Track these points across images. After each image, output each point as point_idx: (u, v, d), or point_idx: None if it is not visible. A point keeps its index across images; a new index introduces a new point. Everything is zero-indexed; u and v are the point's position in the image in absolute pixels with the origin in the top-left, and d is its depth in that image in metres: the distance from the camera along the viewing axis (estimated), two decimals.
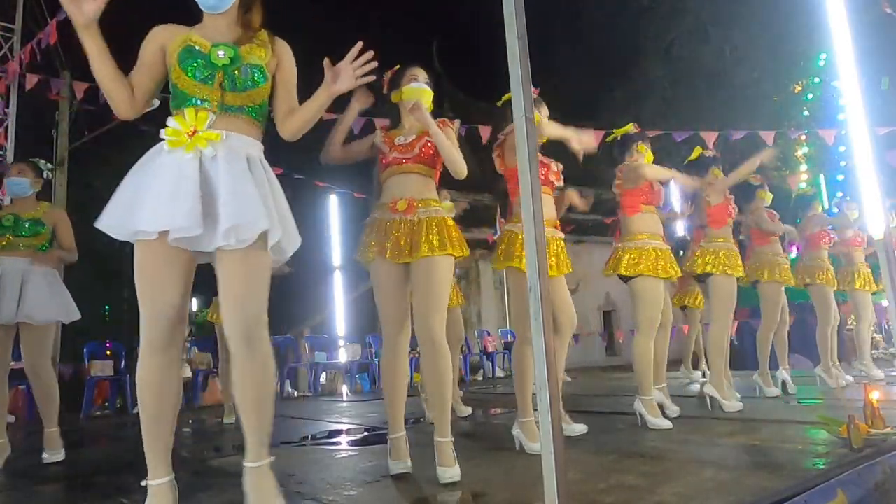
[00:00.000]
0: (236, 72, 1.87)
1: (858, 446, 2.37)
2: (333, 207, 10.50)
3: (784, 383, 4.61)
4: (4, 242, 3.26)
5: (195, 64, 1.85)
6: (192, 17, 1.97)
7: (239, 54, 1.88)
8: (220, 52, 1.85)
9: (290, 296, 5.43)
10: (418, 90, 2.59)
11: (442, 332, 2.44)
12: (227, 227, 1.73)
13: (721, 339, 3.96)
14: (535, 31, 1.92)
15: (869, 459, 2.19)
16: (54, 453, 3.31)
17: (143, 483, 1.79)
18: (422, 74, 2.63)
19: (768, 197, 4.88)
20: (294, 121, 2.01)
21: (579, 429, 3.18)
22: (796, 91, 13.87)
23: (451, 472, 2.27)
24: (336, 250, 10.59)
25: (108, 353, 7.13)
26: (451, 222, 2.56)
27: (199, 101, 1.85)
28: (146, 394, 1.79)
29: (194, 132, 1.80)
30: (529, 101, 1.76)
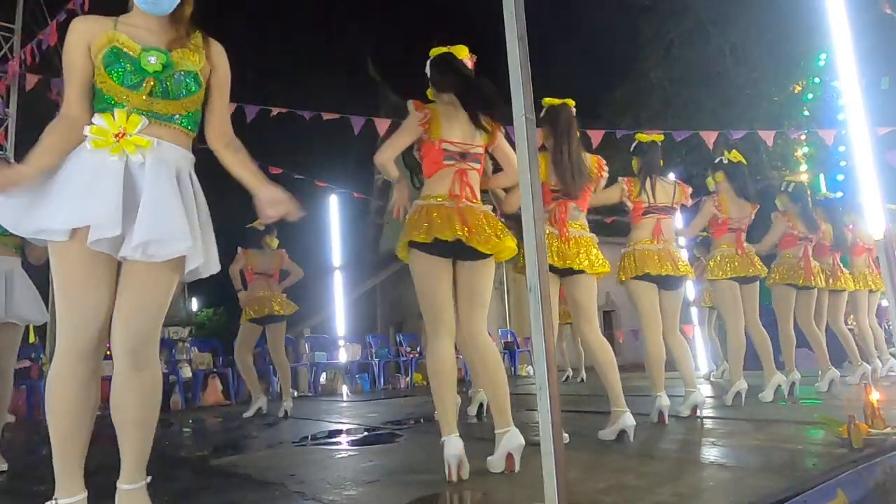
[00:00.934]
0: (168, 79, 1.75)
1: (858, 446, 2.37)
2: (333, 207, 10.49)
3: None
4: None
5: (122, 69, 1.71)
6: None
7: (171, 60, 1.76)
8: (152, 58, 1.72)
9: (291, 296, 5.45)
10: None
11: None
12: (140, 240, 1.63)
13: (736, 339, 4.22)
14: (535, 31, 1.92)
15: (869, 459, 2.19)
16: None
17: (53, 502, 1.68)
18: None
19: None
20: (228, 158, 1.92)
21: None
22: (796, 91, 13.87)
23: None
24: (336, 250, 10.58)
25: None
26: None
27: (122, 107, 1.73)
28: (63, 404, 1.68)
29: (122, 134, 1.69)
30: (529, 102, 1.76)
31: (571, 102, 3.24)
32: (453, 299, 2.52)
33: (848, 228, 5.55)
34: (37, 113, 8.17)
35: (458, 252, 2.45)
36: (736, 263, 4.26)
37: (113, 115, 1.71)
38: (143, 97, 1.74)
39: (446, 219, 2.41)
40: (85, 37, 1.75)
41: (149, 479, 1.80)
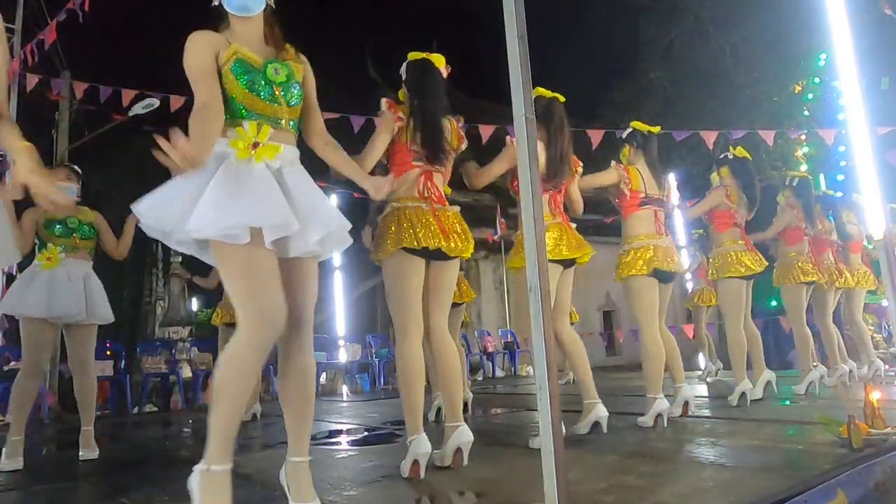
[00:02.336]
0: (288, 89, 1.95)
1: (858, 446, 2.37)
2: None
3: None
4: (71, 244, 3.41)
5: (253, 80, 1.89)
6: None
7: (292, 71, 1.97)
8: (276, 69, 1.92)
9: None
10: None
11: None
12: (319, 235, 1.85)
13: (737, 338, 4.17)
14: (536, 30, 1.92)
15: (869, 459, 2.19)
16: (90, 452, 3.35)
17: (199, 467, 1.78)
18: None
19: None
20: (331, 157, 2.19)
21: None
22: (796, 91, 13.86)
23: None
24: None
25: (108, 353, 7.12)
26: None
27: (258, 116, 1.89)
28: (239, 388, 1.80)
29: (257, 144, 1.85)
30: (529, 101, 1.76)
31: (562, 98, 3.24)
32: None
33: (847, 225, 5.57)
34: (37, 113, 8.18)
35: (434, 254, 2.52)
36: (747, 261, 4.19)
37: (244, 128, 1.86)
38: (273, 105, 1.92)
39: (427, 226, 2.49)
40: (212, 46, 1.89)
41: (310, 458, 1.98)
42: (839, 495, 1.90)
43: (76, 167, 3.57)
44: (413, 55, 2.74)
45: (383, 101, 2.60)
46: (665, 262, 3.51)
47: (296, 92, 1.98)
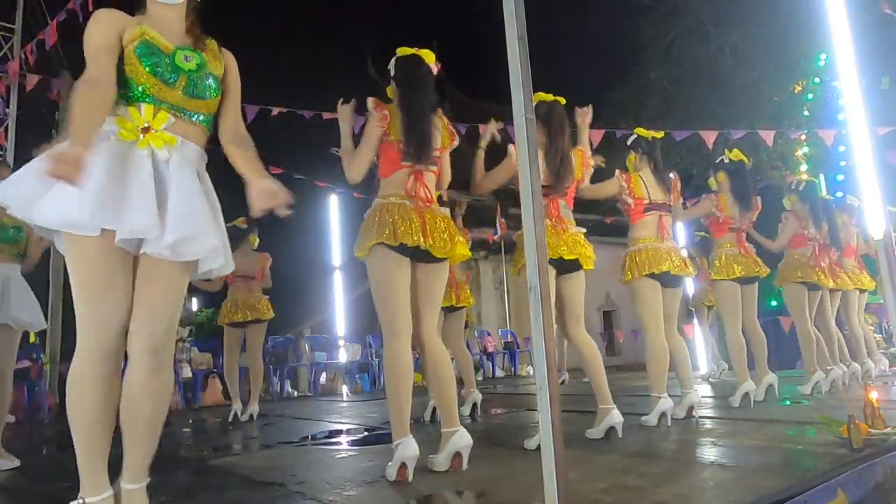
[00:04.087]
0: (199, 79, 1.81)
1: (858, 446, 2.37)
2: (333, 207, 10.49)
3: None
4: None
5: (158, 63, 1.75)
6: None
7: (205, 61, 1.84)
8: (186, 57, 1.80)
9: (290, 296, 5.43)
10: None
11: None
12: (172, 239, 1.64)
13: (735, 340, 4.17)
14: (535, 31, 1.92)
15: (869, 459, 2.19)
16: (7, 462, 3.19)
17: (79, 502, 1.67)
18: None
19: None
20: (232, 148, 1.93)
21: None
22: (796, 91, 13.87)
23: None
24: (336, 250, 10.57)
25: None
26: None
27: (156, 101, 1.75)
28: (87, 404, 1.65)
29: (148, 129, 1.71)
30: (529, 101, 1.76)
31: (562, 100, 3.24)
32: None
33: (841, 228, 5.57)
34: (37, 113, 8.18)
35: (418, 254, 2.47)
36: (740, 264, 4.23)
37: (139, 109, 1.73)
38: (178, 93, 1.78)
39: (408, 222, 2.44)
40: (116, 25, 1.75)
41: (148, 480, 1.79)
42: (839, 495, 1.90)
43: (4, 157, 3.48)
44: (402, 50, 2.68)
45: (370, 100, 2.54)
46: (665, 263, 3.51)
47: (209, 84, 1.84)
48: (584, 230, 3.24)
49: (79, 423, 1.67)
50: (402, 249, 2.43)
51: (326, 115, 6.73)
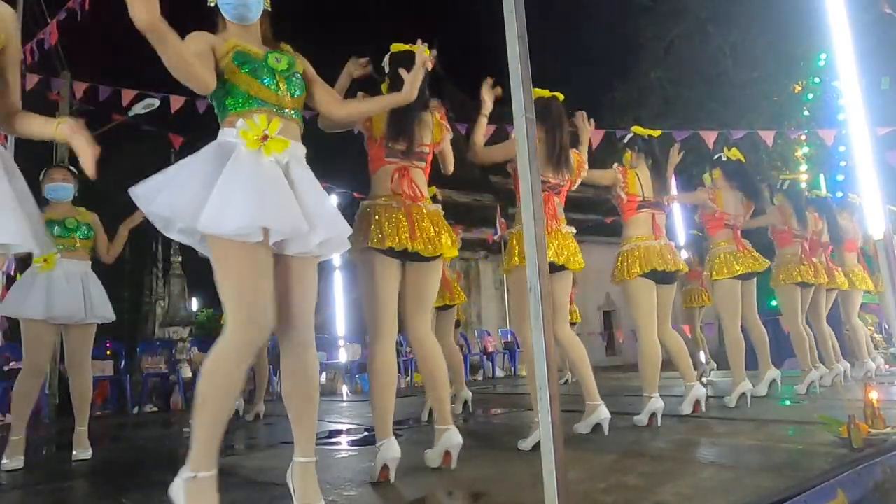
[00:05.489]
0: (291, 78, 1.97)
1: (858, 446, 2.37)
2: None
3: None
4: (70, 244, 3.39)
5: (256, 67, 1.90)
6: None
7: (293, 61, 2.00)
8: (276, 59, 1.94)
9: None
10: None
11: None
12: (322, 238, 1.84)
13: (735, 338, 4.16)
14: (535, 30, 1.92)
15: (869, 459, 2.19)
16: (84, 451, 3.34)
17: (186, 475, 1.72)
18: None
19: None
20: (352, 105, 2.21)
21: None
22: (796, 91, 13.87)
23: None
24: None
25: (109, 352, 7.12)
26: None
27: (263, 104, 1.90)
28: (224, 389, 1.77)
29: (266, 136, 1.83)
30: (529, 101, 1.76)
31: (561, 96, 3.24)
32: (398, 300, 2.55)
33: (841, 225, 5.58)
34: (37, 113, 8.19)
35: (407, 255, 2.47)
36: (740, 261, 4.22)
37: (254, 119, 1.84)
38: (278, 94, 1.93)
39: (395, 223, 2.44)
40: (209, 39, 1.90)
41: (315, 458, 1.97)
42: (839, 495, 1.90)
43: (73, 168, 3.55)
44: (395, 47, 2.67)
45: (359, 94, 2.54)
46: (658, 262, 3.51)
47: (297, 81, 2.00)
48: (574, 230, 3.23)
49: (210, 405, 1.77)
50: (389, 252, 2.44)
51: None
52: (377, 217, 2.45)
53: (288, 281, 1.90)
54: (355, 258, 2.52)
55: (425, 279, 2.56)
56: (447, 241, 2.55)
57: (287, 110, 1.95)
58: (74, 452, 3.31)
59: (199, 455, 1.74)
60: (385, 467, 2.30)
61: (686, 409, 3.55)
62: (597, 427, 3.08)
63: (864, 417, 2.55)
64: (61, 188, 3.43)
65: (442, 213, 2.66)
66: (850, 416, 2.46)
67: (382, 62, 2.69)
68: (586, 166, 3.41)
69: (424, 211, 2.54)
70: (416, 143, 2.56)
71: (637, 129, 3.87)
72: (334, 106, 2.15)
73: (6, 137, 7.61)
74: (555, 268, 3.07)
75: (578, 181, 3.39)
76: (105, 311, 3.43)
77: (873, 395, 2.65)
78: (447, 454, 2.43)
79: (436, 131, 2.68)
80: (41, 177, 3.42)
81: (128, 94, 6.50)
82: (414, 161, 2.58)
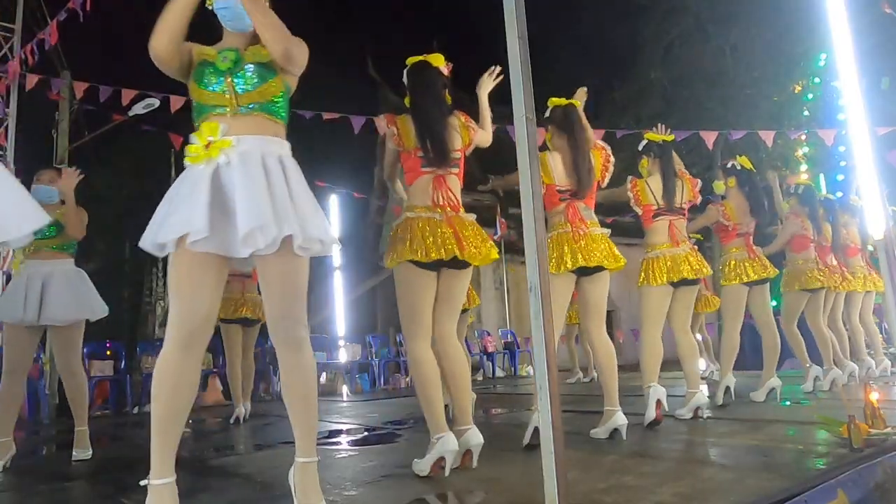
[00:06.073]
0: (241, 73, 1.91)
1: (858, 446, 2.37)
2: (333, 207, 10.50)
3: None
4: (31, 248, 3.31)
5: (207, 75, 1.91)
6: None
7: (241, 56, 1.93)
8: (224, 57, 1.91)
9: None
10: None
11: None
12: (243, 233, 1.77)
13: (731, 341, 4.23)
14: (536, 30, 1.92)
15: (869, 459, 2.19)
16: (83, 452, 3.32)
17: (143, 483, 1.75)
18: None
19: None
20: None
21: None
22: (796, 91, 13.87)
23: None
24: (336, 250, 10.58)
25: (108, 352, 7.12)
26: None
27: (215, 108, 1.90)
28: (163, 389, 1.79)
29: (209, 144, 1.84)
30: (530, 101, 1.76)
31: (577, 103, 3.25)
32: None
33: (843, 228, 5.58)
34: (37, 113, 8.18)
35: (446, 263, 2.50)
36: (749, 268, 4.23)
37: (200, 130, 1.87)
38: (227, 94, 1.89)
39: (439, 235, 2.48)
40: (191, 48, 1.95)
41: (317, 458, 1.96)
42: (839, 495, 1.90)
43: (62, 168, 3.49)
44: (411, 60, 2.72)
45: (382, 116, 2.61)
46: (687, 270, 3.53)
47: (250, 74, 1.91)
48: (608, 231, 3.20)
49: (155, 408, 1.80)
50: (430, 265, 2.48)
51: (326, 116, 6.73)
52: (421, 232, 2.48)
53: (264, 280, 1.91)
54: (396, 267, 2.54)
55: (459, 285, 2.61)
56: (491, 247, 2.60)
57: (243, 107, 1.90)
58: (74, 453, 3.30)
59: (153, 461, 1.75)
60: (441, 459, 2.32)
61: (686, 413, 3.55)
62: (615, 433, 3.02)
63: (864, 417, 2.55)
64: (45, 191, 3.37)
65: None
66: (850, 416, 2.46)
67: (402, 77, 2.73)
68: (612, 160, 3.36)
69: (465, 221, 2.59)
70: (449, 151, 2.59)
71: (651, 135, 3.84)
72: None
73: (6, 137, 7.61)
74: (588, 270, 3.08)
75: (607, 177, 3.36)
76: (61, 314, 3.22)
77: (873, 396, 2.65)
78: (467, 453, 2.45)
79: (463, 134, 2.70)
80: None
81: (128, 94, 6.49)
82: (449, 169, 2.61)
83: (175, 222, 1.78)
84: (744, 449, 2.68)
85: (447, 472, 2.32)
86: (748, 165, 4.42)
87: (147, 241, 1.84)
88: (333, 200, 10.43)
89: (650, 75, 15.41)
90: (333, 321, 10.45)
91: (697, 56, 14.74)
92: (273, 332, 1.92)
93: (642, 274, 3.64)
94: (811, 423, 3.14)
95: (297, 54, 1.93)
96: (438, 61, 2.71)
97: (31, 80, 6.84)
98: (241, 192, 1.79)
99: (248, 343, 5.20)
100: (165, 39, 1.87)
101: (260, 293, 5.34)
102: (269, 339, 5.30)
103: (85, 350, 6.88)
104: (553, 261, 3.03)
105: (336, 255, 10.57)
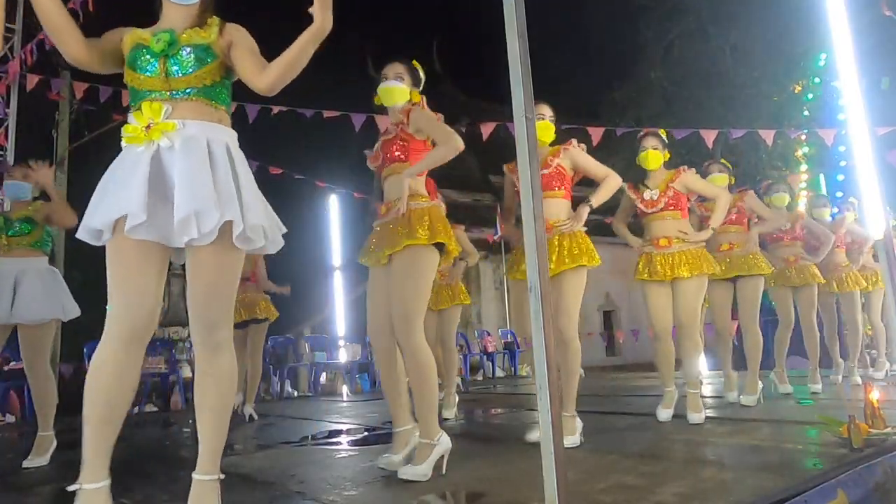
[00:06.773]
0: (176, 55, 1.80)
1: (858, 446, 2.37)
2: (333, 207, 10.49)
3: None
4: (5, 245, 3.24)
5: (141, 58, 1.81)
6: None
7: (176, 38, 1.81)
8: (158, 39, 1.80)
9: (291, 296, 5.43)
10: (388, 90, 2.60)
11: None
12: (179, 217, 1.65)
13: (724, 338, 4.27)
14: (536, 30, 1.92)
15: (869, 459, 2.19)
16: (40, 458, 3.20)
17: (71, 488, 1.67)
18: (392, 70, 2.61)
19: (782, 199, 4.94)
20: (272, 68, 1.82)
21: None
22: (796, 91, 13.85)
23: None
24: (336, 250, 10.57)
25: None
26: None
27: (150, 93, 1.80)
28: (101, 391, 1.67)
29: (149, 125, 1.75)
30: (530, 101, 1.76)
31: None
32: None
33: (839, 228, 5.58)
34: (37, 113, 8.18)
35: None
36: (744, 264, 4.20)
37: (140, 110, 1.77)
38: (161, 78, 1.79)
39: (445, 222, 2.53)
40: (121, 35, 1.87)
41: (222, 476, 1.82)
42: (839, 495, 1.90)
43: (31, 163, 3.40)
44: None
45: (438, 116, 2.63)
46: (669, 270, 3.52)
47: (186, 57, 1.80)
48: (583, 228, 3.13)
49: (88, 408, 1.68)
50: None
51: (327, 114, 6.73)
52: (438, 216, 2.50)
53: (191, 272, 1.76)
54: (419, 249, 2.44)
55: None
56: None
57: (179, 91, 1.79)
58: (27, 459, 3.16)
59: (86, 464, 1.66)
60: (440, 459, 2.35)
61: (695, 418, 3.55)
62: (596, 427, 3.05)
63: (864, 417, 2.55)
64: (15, 186, 3.35)
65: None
66: (850, 416, 2.46)
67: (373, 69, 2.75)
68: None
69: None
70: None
71: (662, 133, 3.84)
72: (255, 77, 1.83)
73: (6, 137, 7.61)
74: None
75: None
76: (30, 314, 3.16)
77: (873, 396, 2.65)
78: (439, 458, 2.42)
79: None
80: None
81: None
82: None
83: (110, 205, 1.68)
84: (744, 449, 2.68)
85: (444, 469, 2.32)
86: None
87: (83, 229, 1.73)
88: (333, 200, 10.43)
89: (650, 75, 15.41)
90: (333, 321, 10.44)
91: (697, 56, 14.74)
92: (192, 332, 1.78)
93: (637, 270, 3.65)
94: (811, 423, 3.14)
95: (277, 88, 1.85)
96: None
97: (31, 80, 6.84)
98: (181, 175, 1.69)
99: (256, 342, 5.11)
100: (72, 46, 1.80)
101: (260, 293, 5.35)
102: (268, 340, 5.34)
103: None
104: (514, 266, 3.09)
105: (336, 256, 10.57)
